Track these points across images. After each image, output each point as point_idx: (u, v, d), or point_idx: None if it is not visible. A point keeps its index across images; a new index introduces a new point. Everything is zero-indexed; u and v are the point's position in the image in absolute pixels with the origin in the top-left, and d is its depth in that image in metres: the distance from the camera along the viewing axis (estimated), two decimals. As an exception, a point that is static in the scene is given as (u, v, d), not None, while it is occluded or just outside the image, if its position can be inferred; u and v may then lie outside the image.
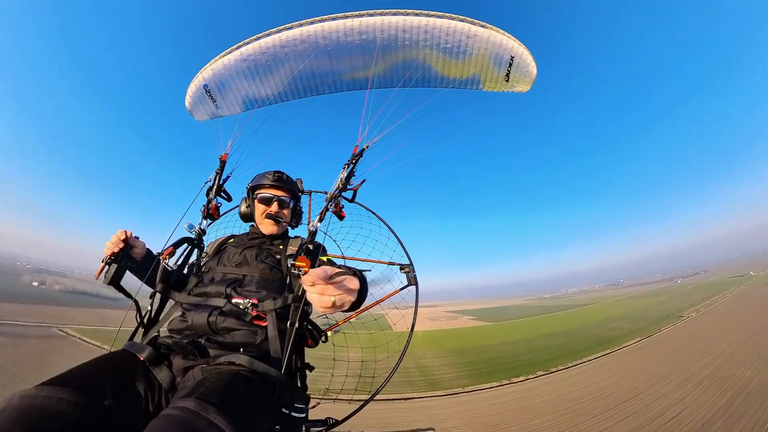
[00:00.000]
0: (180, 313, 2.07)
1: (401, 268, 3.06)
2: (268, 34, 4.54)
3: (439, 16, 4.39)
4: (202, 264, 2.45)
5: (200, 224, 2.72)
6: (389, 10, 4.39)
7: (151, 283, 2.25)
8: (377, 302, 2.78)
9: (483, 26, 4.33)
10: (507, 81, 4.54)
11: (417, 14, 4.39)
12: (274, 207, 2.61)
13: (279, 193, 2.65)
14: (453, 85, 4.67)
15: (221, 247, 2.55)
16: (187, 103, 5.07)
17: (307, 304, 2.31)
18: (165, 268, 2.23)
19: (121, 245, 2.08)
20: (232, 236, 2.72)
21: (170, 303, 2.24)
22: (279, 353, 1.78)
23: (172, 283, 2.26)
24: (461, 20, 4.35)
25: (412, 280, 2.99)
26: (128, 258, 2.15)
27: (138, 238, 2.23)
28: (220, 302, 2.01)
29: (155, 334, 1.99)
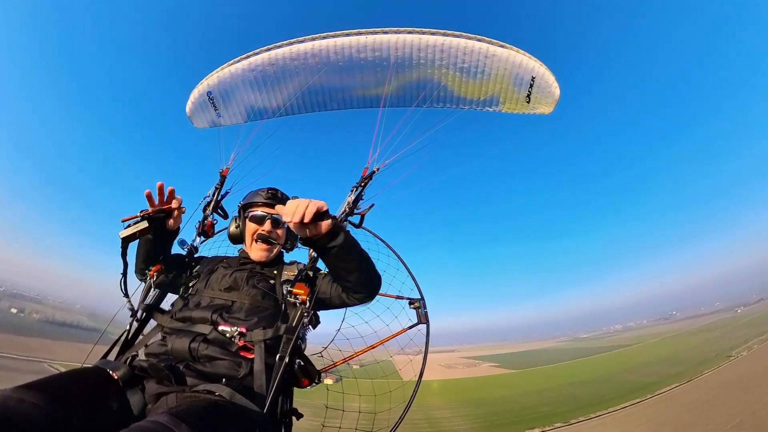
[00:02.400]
0: (160, 337, 2.02)
1: (410, 304, 2.90)
2: (279, 46, 4.71)
3: (456, 36, 4.55)
4: (190, 285, 2.39)
5: (193, 241, 2.70)
6: (404, 29, 4.57)
7: (144, 269, 2.28)
8: (381, 342, 2.68)
9: (502, 46, 4.47)
10: (528, 102, 4.64)
11: (433, 33, 4.56)
12: (267, 226, 2.55)
13: (273, 211, 2.59)
14: (471, 106, 4.76)
15: (212, 269, 2.48)
16: (187, 109, 5.20)
17: (301, 338, 2.25)
18: (150, 287, 2.23)
19: (169, 207, 2.13)
20: (224, 257, 2.67)
21: (151, 325, 2.19)
22: (263, 390, 1.71)
23: (156, 303, 2.24)
24: (479, 40, 4.51)
25: (423, 318, 2.83)
26: (160, 226, 2.16)
27: (184, 212, 2.26)
28: (205, 329, 1.95)
29: (132, 354, 1.95)
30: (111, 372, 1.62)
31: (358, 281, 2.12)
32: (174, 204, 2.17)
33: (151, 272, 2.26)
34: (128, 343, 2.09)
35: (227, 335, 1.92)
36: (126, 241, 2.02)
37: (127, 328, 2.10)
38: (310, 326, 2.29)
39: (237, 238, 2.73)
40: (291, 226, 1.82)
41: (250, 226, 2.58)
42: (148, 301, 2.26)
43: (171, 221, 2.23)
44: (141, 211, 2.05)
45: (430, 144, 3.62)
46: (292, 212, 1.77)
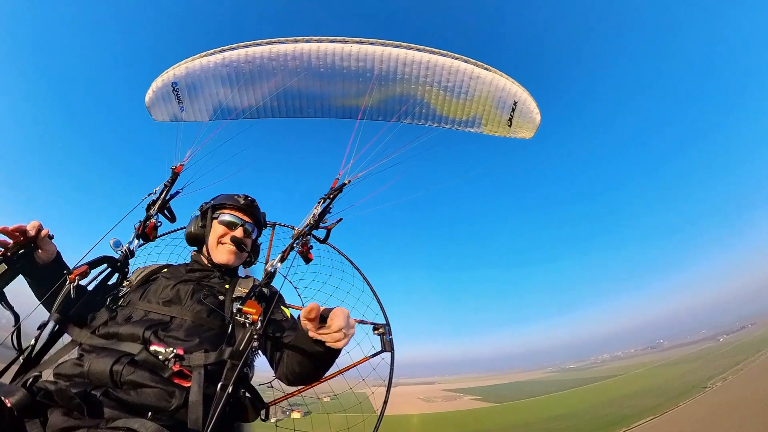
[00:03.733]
0: (76, 355, 1.77)
1: (375, 329, 2.80)
2: (258, 44, 4.64)
3: (443, 54, 4.70)
4: (120, 295, 2.13)
5: (130, 243, 2.41)
6: (390, 42, 4.66)
7: (48, 305, 1.91)
8: (339, 372, 2.51)
9: (486, 69, 4.68)
10: (510, 126, 4.84)
11: (420, 49, 4.69)
12: (239, 233, 2.43)
13: (247, 218, 2.50)
14: (452, 125, 4.89)
15: (150, 278, 2.25)
16: (147, 99, 4.96)
17: (248, 364, 2.02)
18: (69, 293, 1.88)
19: (25, 239, 1.81)
20: (167, 265, 2.42)
21: (64, 340, 1.88)
22: (199, 425, 1.50)
23: (74, 313, 1.90)
24: (465, 60, 4.68)
25: (388, 345, 2.72)
26: (29, 260, 1.88)
27: (53, 238, 1.96)
28: (133, 348, 1.70)
29: (35, 374, 1.63)
30: (2, 398, 1.31)
31: (300, 379, 2.01)
32: (30, 230, 1.87)
33: (72, 276, 1.95)
34: (31, 361, 1.75)
35: (160, 357, 1.68)
36: None
37: (32, 342, 1.77)
38: (259, 351, 2.10)
39: (197, 239, 2.52)
40: (324, 332, 1.63)
41: (218, 228, 2.42)
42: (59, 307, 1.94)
43: (40, 252, 1.94)
44: None
45: (406, 160, 3.61)
46: (344, 329, 1.58)
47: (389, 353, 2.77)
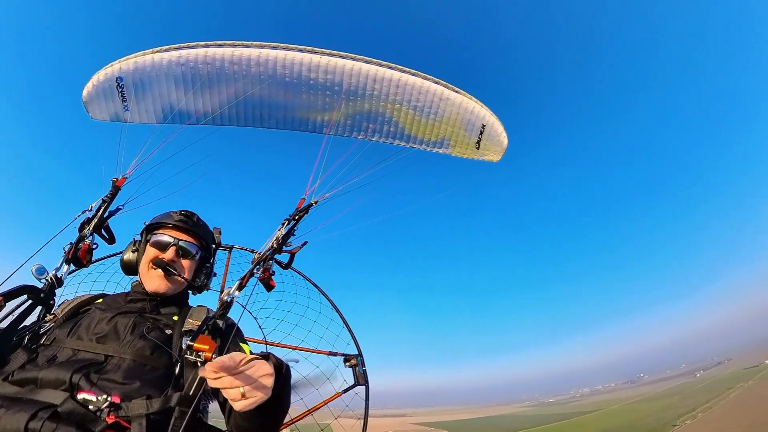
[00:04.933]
0: None
1: (346, 361, 2.74)
2: (220, 45, 4.48)
3: (413, 74, 4.87)
4: (41, 332, 1.87)
5: (57, 269, 2.17)
6: (361, 57, 4.74)
7: None
8: (309, 411, 2.41)
9: (456, 91, 4.91)
10: (478, 148, 5.08)
11: (391, 67, 4.81)
12: (170, 254, 2.18)
13: (183, 237, 2.26)
14: (421, 145, 5.04)
15: (80, 310, 2.02)
16: (85, 93, 4.56)
17: (201, 410, 1.83)
18: None
19: None
20: (102, 295, 2.21)
21: None
22: None
23: None
24: (435, 82, 4.89)
25: (361, 378, 2.67)
26: None
27: None
28: (56, 397, 1.47)
29: None
30: None
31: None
32: None
33: None
34: None
35: (91, 407, 1.46)
36: None
37: None
38: (212, 395, 1.93)
39: (131, 267, 2.29)
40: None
41: (150, 252, 2.19)
42: None
43: None
44: None
45: (377, 180, 3.65)
46: (237, 397, 1.31)
47: (363, 386, 2.69)
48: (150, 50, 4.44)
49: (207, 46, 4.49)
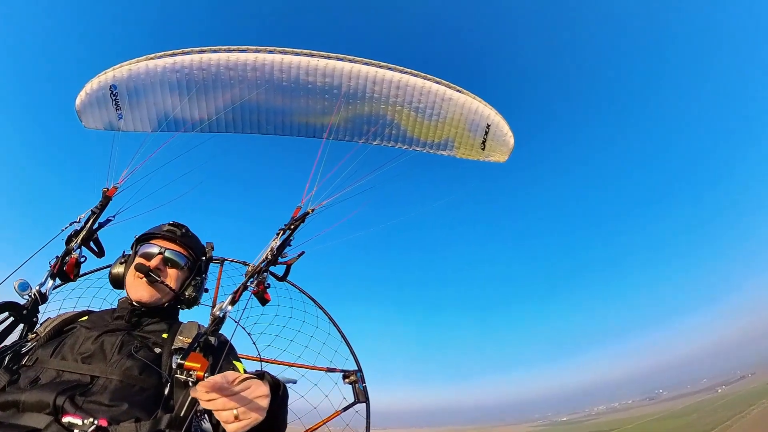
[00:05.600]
0: None
1: (345, 377, 2.69)
2: (215, 51, 4.49)
3: (414, 74, 4.84)
4: (23, 351, 1.83)
5: (42, 285, 2.13)
6: (360, 59, 4.72)
7: None
8: (310, 430, 2.36)
9: (459, 91, 4.87)
10: (483, 149, 5.02)
11: (390, 68, 4.79)
12: (155, 262, 2.14)
13: (171, 246, 2.22)
14: (424, 148, 4.99)
15: (64, 328, 1.95)
16: (78, 102, 4.59)
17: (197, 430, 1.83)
18: None
19: None
20: (87, 312, 2.13)
21: None
22: None
23: None
24: (437, 82, 4.84)
25: (361, 395, 2.62)
26: None
27: None
28: (39, 421, 1.43)
29: None
30: None
31: None
32: None
33: None
34: None
35: (76, 431, 1.41)
36: None
37: None
38: (206, 416, 1.87)
39: (120, 281, 2.24)
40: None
41: (136, 262, 2.14)
42: None
43: None
44: None
45: (376, 186, 3.59)
46: (230, 419, 1.29)
47: (364, 404, 2.63)
48: (144, 57, 4.47)
49: (202, 51, 4.50)
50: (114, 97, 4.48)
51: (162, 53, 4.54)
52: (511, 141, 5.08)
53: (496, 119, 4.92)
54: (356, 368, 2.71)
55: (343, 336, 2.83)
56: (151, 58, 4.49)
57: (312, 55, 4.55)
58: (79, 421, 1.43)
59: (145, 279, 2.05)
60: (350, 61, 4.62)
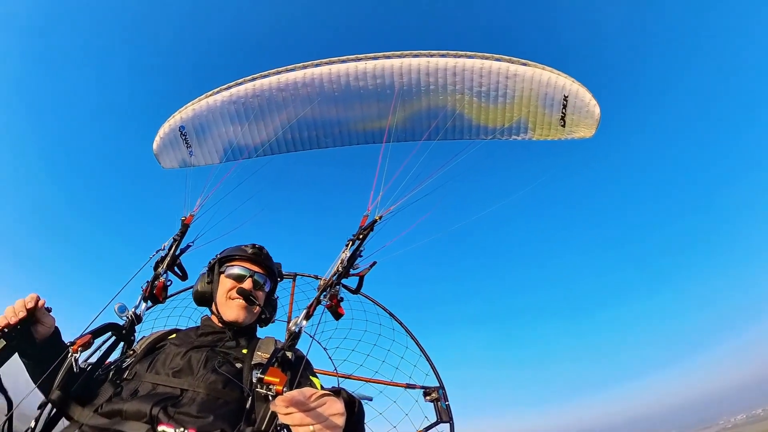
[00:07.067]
0: None
1: (426, 395, 2.59)
2: (265, 76, 4.83)
3: (470, 56, 4.61)
4: (124, 366, 2.10)
5: (136, 307, 2.41)
6: (409, 52, 4.67)
7: (46, 385, 1.88)
8: None
9: (524, 64, 4.50)
10: (563, 125, 4.58)
11: (443, 55, 4.64)
12: (248, 284, 2.38)
13: (256, 269, 2.44)
14: (494, 135, 4.72)
15: (156, 345, 2.22)
16: (155, 146, 5.26)
17: None
18: (71, 367, 1.85)
19: (23, 315, 1.86)
20: (175, 330, 2.39)
21: (65, 422, 1.84)
22: None
23: (75, 390, 1.86)
24: (497, 59, 4.55)
25: (444, 414, 2.52)
26: (26, 337, 1.90)
27: (51, 311, 2.01)
28: (139, 429, 1.64)
29: None
30: None
31: None
32: (28, 305, 1.93)
33: (75, 347, 1.91)
34: None
35: None
36: None
37: (32, 425, 1.77)
38: (285, 431, 1.93)
39: (205, 298, 2.49)
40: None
41: (226, 283, 2.39)
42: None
43: (38, 326, 2.00)
44: None
45: (445, 184, 3.45)
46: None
47: (447, 424, 2.54)
48: (204, 95, 4.98)
49: (254, 79, 4.87)
50: (184, 137, 5.05)
51: (218, 88, 5.01)
52: (597, 110, 4.53)
53: (573, 88, 4.45)
54: (438, 385, 2.64)
55: (422, 350, 2.74)
56: (210, 95, 4.98)
57: (359, 59, 4.64)
58: (172, 430, 1.62)
59: (242, 301, 2.28)
60: (399, 56, 4.61)
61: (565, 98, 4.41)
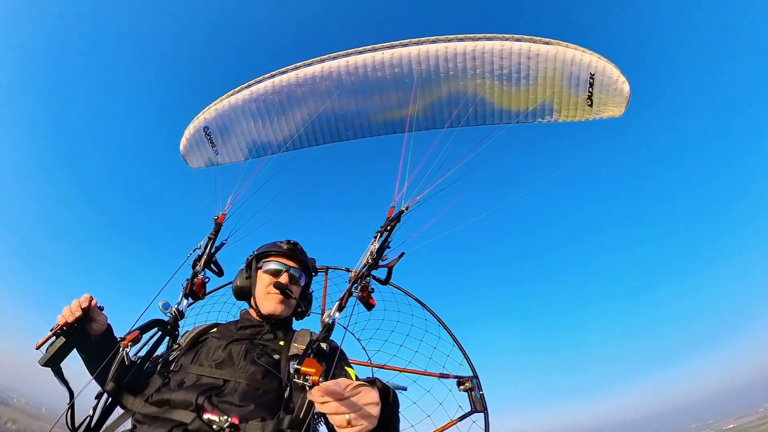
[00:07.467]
0: (130, 426, 1.91)
1: (459, 384, 2.62)
2: (283, 72, 4.92)
3: (489, 38, 4.50)
4: (171, 359, 2.28)
5: (179, 304, 2.60)
6: (426, 38, 4.62)
7: (101, 378, 2.10)
8: None
9: (547, 43, 4.39)
10: (591, 105, 4.46)
11: (461, 39, 4.57)
12: (285, 278, 2.52)
13: (291, 263, 2.59)
14: (518, 119, 4.65)
15: (199, 339, 2.39)
16: (181, 147, 5.47)
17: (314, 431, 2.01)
18: (123, 360, 2.07)
19: (79, 314, 2.05)
20: (216, 324, 2.56)
21: (119, 410, 2.06)
22: None
23: (127, 382, 2.07)
24: (517, 40, 4.43)
25: (479, 404, 2.54)
26: (82, 333, 2.11)
27: (103, 309, 2.22)
28: (186, 416, 1.80)
29: None
30: None
31: None
32: (82, 304, 2.11)
33: (126, 341, 2.11)
34: None
35: (214, 427, 1.74)
36: (52, 364, 1.99)
37: (90, 413, 1.97)
38: (322, 419, 2.05)
39: (244, 293, 2.66)
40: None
41: (264, 278, 2.53)
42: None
43: (93, 324, 2.20)
44: (51, 329, 2.04)
45: (471, 171, 3.46)
46: (343, 424, 1.42)
47: (482, 413, 2.56)
48: (225, 94, 5.12)
49: (272, 76, 4.97)
50: (208, 137, 5.22)
51: (239, 87, 5.13)
52: (626, 87, 4.35)
53: (600, 65, 4.29)
54: (472, 374, 2.65)
55: (455, 339, 2.77)
56: (231, 94, 5.11)
57: (376, 49, 4.64)
58: (216, 418, 1.77)
59: (280, 295, 2.42)
60: (416, 43, 4.58)
61: (592, 76, 4.28)
